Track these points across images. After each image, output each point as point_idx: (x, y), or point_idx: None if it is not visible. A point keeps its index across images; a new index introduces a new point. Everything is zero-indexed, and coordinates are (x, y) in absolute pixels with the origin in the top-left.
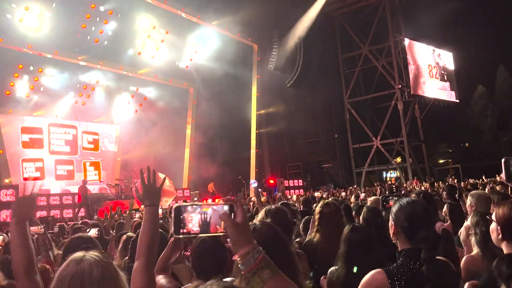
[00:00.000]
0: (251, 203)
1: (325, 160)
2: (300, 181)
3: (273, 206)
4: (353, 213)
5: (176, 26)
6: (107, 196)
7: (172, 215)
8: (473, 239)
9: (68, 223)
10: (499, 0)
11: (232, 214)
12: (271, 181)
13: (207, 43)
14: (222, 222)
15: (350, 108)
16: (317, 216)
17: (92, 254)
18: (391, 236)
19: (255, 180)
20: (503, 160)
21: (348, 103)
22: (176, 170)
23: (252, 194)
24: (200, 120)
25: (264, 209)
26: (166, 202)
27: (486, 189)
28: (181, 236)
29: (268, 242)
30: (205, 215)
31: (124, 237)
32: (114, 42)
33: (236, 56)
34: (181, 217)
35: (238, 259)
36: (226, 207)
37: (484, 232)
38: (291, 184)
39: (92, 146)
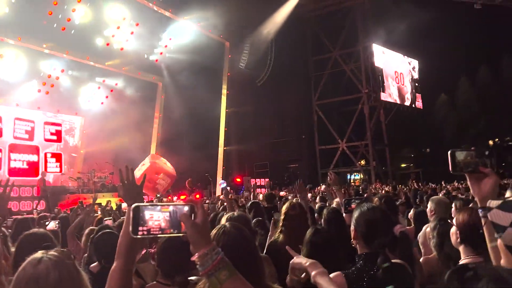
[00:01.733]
0: (219, 202)
1: (291, 160)
2: (267, 180)
3: (235, 213)
4: (315, 214)
5: (147, 19)
6: (68, 189)
7: (131, 214)
8: (431, 243)
9: (25, 216)
10: (463, 14)
11: (193, 215)
12: (238, 180)
13: (178, 38)
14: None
15: (318, 110)
16: (282, 217)
17: (51, 254)
18: (352, 240)
19: (223, 181)
20: (449, 152)
21: (317, 105)
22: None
23: (218, 192)
24: (167, 115)
25: (225, 217)
26: (163, 181)
27: (441, 194)
28: (139, 236)
29: (236, 245)
30: (165, 215)
31: (88, 230)
32: (81, 31)
33: (207, 52)
34: (140, 216)
35: (197, 259)
36: (186, 208)
37: (440, 237)
38: (258, 183)
39: (54, 137)
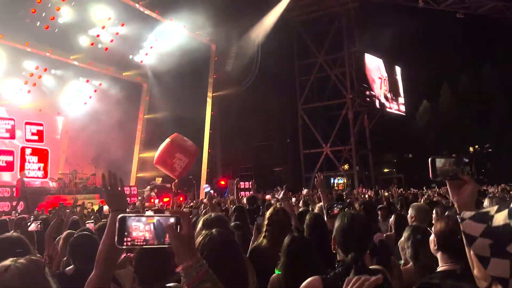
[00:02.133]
0: (202, 206)
1: (276, 163)
2: (251, 181)
3: (212, 215)
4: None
5: (133, 19)
6: (48, 190)
7: (117, 225)
8: (406, 253)
9: (3, 217)
10: (447, 23)
11: (178, 226)
12: (222, 182)
13: (164, 39)
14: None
15: (303, 114)
16: (265, 222)
17: (20, 263)
18: (332, 247)
19: (207, 185)
20: (429, 159)
21: (302, 109)
22: (124, 166)
23: (202, 195)
24: (152, 117)
25: (202, 219)
26: (179, 160)
27: (422, 199)
28: (124, 246)
29: (221, 252)
30: (151, 226)
31: (65, 234)
32: (65, 30)
33: (193, 54)
34: (126, 227)
35: (181, 271)
36: (172, 219)
37: (414, 247)
38: (242, 186)
39: (36, 137)
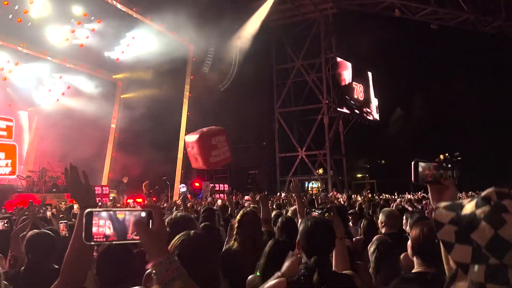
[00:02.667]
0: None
1: (252, 166)
2: (226, 186)
3: (178, 214)
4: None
5: (109, 17)
6: (16, 188)
7: (84, 220)
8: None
9: None
10: (421, 33)
11: (150, 221)
12: (197, 184)
13: (141, 38)
14: None
15: (279, 117)
16: (236, 225)
17: None
18: (297, 250)
19: (184, 185)
20: (413, 162)
21: (278, 113)
22: (96, 165)
23: (176, 196)
24: (126, 116)
25: (166, 219)
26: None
27: (393, 205)
28: (93, 243)
29: (194, 254)
30: (121, 221)
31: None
32: (39, 24)
33: (170, 54)
34: (94, 222)
35: (151, 268)
36: (143, 214)
37: (377, 262)
38: (217, 188)
39: (5, 133)
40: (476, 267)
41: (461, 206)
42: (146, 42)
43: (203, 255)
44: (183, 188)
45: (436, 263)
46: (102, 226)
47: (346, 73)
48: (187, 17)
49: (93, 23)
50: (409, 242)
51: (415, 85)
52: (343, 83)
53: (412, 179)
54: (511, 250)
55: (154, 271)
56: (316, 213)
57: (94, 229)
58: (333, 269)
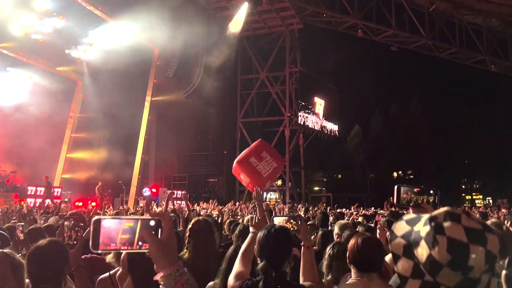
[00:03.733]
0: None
1: (211, 174)
2: (184, 192)
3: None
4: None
5: (73, 14)
6: None
7: (91, 228)
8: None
9: None
10: (382, 54)
11: (159, 230)
12: (153, 190)
13: (105, 38)
14: None
15: (242, 127)
16: (187, 234)
17: None
18: (256, 255)
19: (148, 188)
20: (395, 186)
21: (241, 122)
22: (48, 165)
23: (132, 201)
24: (84, 116)
25: None
26: (268, 164)
27: (349, 219)
28: (100, 251)
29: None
30: (129, 230)
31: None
32: None
33: (134, 56)
34: (102, 230)
35: (160, 279)
36: (152, 222)
37: (329, 262)
38: (174, 196)
39: None
40: (413, 281)
41: (417, 221)
42: (110, 42)
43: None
44: (147, 192)
45: (369, 272)
46: (110, 234)
47: (309, 87)
48: (154, 21)
49: (55, 18)
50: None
51: (374, 103)
52: (305, 97)
53: (395, 201)
54: (443, 270)
55: (162, 283)
56: (281, 221)
57: (101, 237)
58: (300, 277)
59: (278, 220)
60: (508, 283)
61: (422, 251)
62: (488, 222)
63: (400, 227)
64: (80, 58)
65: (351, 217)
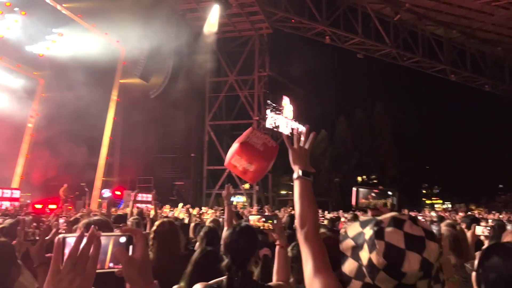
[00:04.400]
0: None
1: (178, 177)
2: (153, 193)
3: (95, 218)
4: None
5: (36, 9)
6: None
7: (54, 247)
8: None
9: None
10: (349, 61)
11: (130, 247)
12: (118, 193)
13: (69, 35)
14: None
15: (210, 130)
16: (151, 236)
17: None
18: (222, 253)
19: (108, 190)
20: (354, 188)
21: (209, 125)
22: (5, 166)
23: (95, 204)
24: (46, 115)
25: (83, 222)
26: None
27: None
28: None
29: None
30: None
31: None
32: None
33: (100, 55)
34: (67, 250)
35: None
36: (123, 239)
37: (293, 258)
38: (139, 198)
39: None
40: (356, 282)
41: (370, 224)
42: (75, 40)
43: None
44: (106, 194)
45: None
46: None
47: (278, 92)
48: (121, 20)
49: (17, 14)
50: None
51: (340, 109)
52: (274, 101)
53: (353, 203)
54: (380, 274)
55: None
56: (256, 219)
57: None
58: (274, 276)
59: (254, 219)
60: (477, 284)
61: (364, 254)
62: (444, 223)
63: (353, 228)
64: (42, 55)
65: None
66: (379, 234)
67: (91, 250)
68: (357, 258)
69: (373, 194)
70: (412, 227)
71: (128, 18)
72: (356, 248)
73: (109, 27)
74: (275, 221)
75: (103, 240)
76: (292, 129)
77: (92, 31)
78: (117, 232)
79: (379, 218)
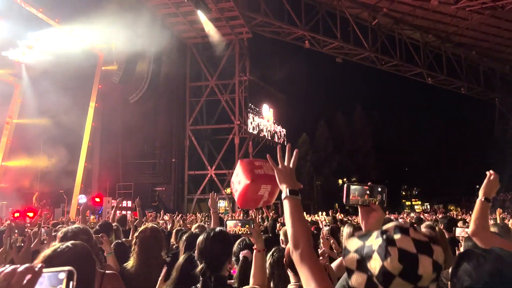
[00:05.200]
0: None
1: (159, 183)
2: (130, 202)
3: (73, 227)
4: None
5: (12, 14)
6: None
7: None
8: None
9: None
10: (327, 66)
11: (71, 283)
12: (97, 200)
13: (46, 41)
14: None
15: (191, 135)
16: (133, 242)
17: None
18: (196, 259)
19: (83, 196)
20: (345, 185)
21: (190, 130)
22: None
23: (74, 211)
24: (22, 122)
25: (61, 231)
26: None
27: None
28: None
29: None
30: None
31: None
32: None
33: (78, 61)
34: None
35: None
36: (62, 275)
37: (271, 267)
38: (120, 205)
39: None
40: None
41: (369, 236)
42: (52, 45)
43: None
44: (82, 199)
45: None
46: None
47: (259, 96)
48: (99, 25)
49: None
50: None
51: (320, 113)
52: (255, 106)
53: (344, 201)
54: (395, 280)
55: None
56: (233, 224)
57: None
58: (251, 279)
59: (231, 224)
60: None
61: (375, 264)
62: (423, 225)
63: (353, 243)
64: (18, 61)
65: None
66: (390, 241)
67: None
68: (365, 270)
69: (368, 192)
70: (416, 233)
71: (107, 23)
72: (362, 261)
73: (86, 32)
74: (252, 226)
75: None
76: (272, 134)
77: (70, 36)
78: (59, 268)
79: (383, 228)
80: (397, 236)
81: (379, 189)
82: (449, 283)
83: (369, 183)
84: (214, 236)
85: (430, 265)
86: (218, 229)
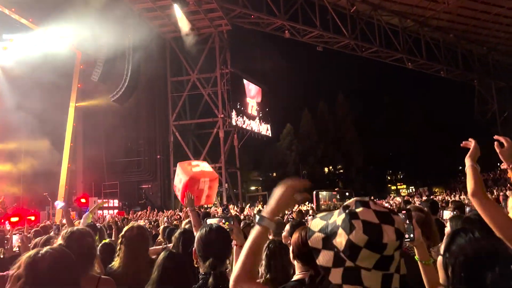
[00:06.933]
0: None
1: (144, 180)
2: (117, 201)
3: (73, 228)
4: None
5: None
6: None
7: None
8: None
9: None
10: (308, 55)
11: None
12: (83, 200)
13: (21, 40)
14: None
15: (175, 130)
16: (119, 240)
17: None
18: (199, 255)
19: (61, 202)
20: (314, 192)
21: (173, 125)
22: None
23: (59, 214)
24: (2, 124)
25: (65, 231)
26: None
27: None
28: None
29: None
30: None
31: None
32: None
33: (55, 60)
34: None
35: None
36: None
37: (267, 259)
38: (106, 204)
39: None
40: (336, 270)
41: (331, 215)
42: (27, 45)
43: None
44: (60, 205)
45: (315, 265)
46: None
47: (241, 88)
48: (75, 23)
49: None
50: (291, 248)
51: (304, 103)
52: (238, 98)
53: (314, 207)
54: (361, 253)
55: None
56: (214, 222)
57: None
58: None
59: (212, 222)
60: (444, 268)
61: (341, 239)
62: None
63: (316, 223)
64: None
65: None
66: (353, 215)
67: None
68: (331, 247)
69: (337, 197)
70: (376, 205)
71: (83, 20)
72: (327, 238)
73: (63, 31)
74: (232, 222)
75: None
76: (256, 126)
77: (45, 36)
78: None
79: (344, 204)
80: (359, 209)
81: (347, 194)
82: (439, 258)
83: (336, 189)
84: (217, 230)
85: (394, 233)
86: (215, 224)
